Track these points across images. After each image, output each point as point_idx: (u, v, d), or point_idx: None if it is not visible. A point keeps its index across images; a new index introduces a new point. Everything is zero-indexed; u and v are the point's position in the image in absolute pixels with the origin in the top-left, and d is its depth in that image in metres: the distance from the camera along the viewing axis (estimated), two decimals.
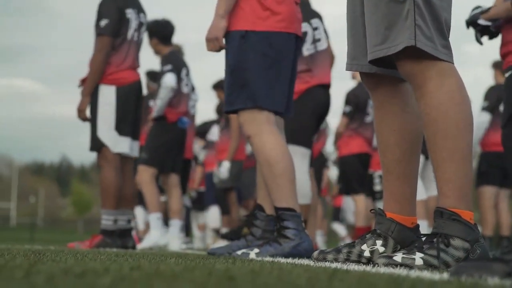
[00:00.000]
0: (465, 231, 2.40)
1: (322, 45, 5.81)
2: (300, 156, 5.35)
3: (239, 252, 3.60)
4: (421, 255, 2.40)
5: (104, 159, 5.42)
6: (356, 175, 8.12)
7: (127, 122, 5.47)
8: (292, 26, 3.81)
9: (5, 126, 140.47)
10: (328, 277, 1.69)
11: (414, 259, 2.39)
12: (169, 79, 7.05)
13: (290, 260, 3.10)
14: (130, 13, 5.51)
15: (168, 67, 7.12)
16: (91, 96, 5.41)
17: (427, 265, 2.38)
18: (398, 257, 2.41)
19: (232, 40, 3.75)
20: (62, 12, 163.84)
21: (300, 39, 3.91)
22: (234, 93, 3.73)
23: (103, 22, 5.39)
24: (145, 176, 6.95)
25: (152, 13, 5.93)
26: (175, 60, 7.31)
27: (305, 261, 2.88)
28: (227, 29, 3.77)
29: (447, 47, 2.51)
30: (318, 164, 7.90)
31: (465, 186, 2.43)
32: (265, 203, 3.95)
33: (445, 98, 2.44)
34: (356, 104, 7.94)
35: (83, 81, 5.47)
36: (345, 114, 8.08)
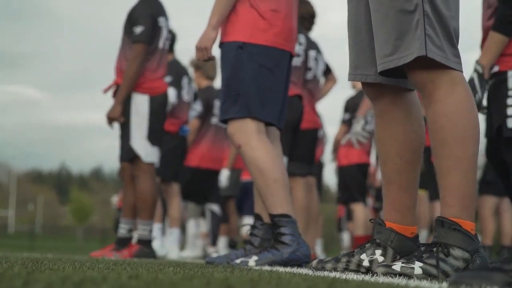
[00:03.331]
0: (465, 241, 2.40)
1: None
2: None
3: (238, 261, 3.61)
4: (420, 264, 2.39)
5: (139, 170, 5.40)
6: (356, 185, 8.13)
7: (157, 132, 5.46)
8: (288, 45, 3.86)
9: (4, 133, 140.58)
10: (327, 286, 1.69)
11: (413, 268, 2.38)
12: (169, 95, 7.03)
13: (289, 269, 3.10)
14: (162, 21, 5.49)
15: (168, 79, 7.08)
16: (123, 104, 5.40)
17: (426, 275, 2.37)
18: (397, 266, 2.40)
19: (228, 50, 3.78)
20: (62, 19, 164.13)
21: (292, 59, 3.96)
22: (229, 102, 3.76)
23: (139, 29, 5.33)
24: None
25: None
26: (175, 70, 7.30)
27: (304, 270, 2.88)
28: (224, 39, 3.80)
29: (457, 55, 2.51)
30: (317, 172, 7.90)
31: (469, 196, 2.42)
32: (262, 212, 3.96)
33: (454, 107, 2.44)
34: (355, 112, 7.95)
35: (108, 89, 5.45)
36: (344, 122, 8.09)
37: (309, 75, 6.26)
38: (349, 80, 2.84)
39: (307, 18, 6.34)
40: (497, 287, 1.72)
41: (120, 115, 5.34)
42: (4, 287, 1.46)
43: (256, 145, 3.69)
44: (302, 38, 5.78)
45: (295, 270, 2.95)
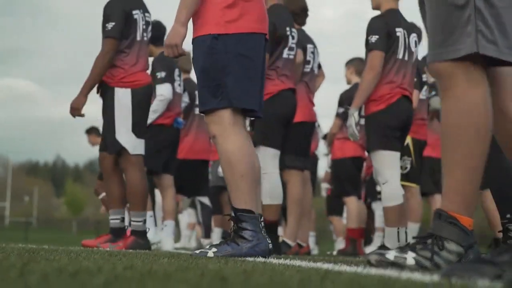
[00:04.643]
0: (460, 235, 2.40)
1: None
2: (271, 157, 5.42)
3: (197, 251, 3.67)
4: (414, 255, 2.40)
5: (127, 162, 5.42)
6: (349, 178, 8.14)
7: (142, 125, 5.49)
8: (263, 27, 3.84)
9: (0, 126, 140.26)
10: (320, 279, 1.71)
11: (405, 258, 2.39)
12: (166, 91, 7.01)
13: (282, 261, 3.12)
14: (136, 14, 5.50)
15: (162, 74, 7.06)
16: (106, 99, 5.41)
17: (419, 266, 2.38)
18: (391, 255, 2.41)
19: (202, 43, 3.74)
20: (61, 17, 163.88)
21: (267, 39, 3.92)
22: (208, 93, 3.74)
23: (110, 25, 5.37)
24: None
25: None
26: (166, 63, 7.28)
27: (297, 262, 2.89)
28: (197, 34, 3.78)
29: (510, 47, 2.44)
30: (311, 166, 7.92)
31: (471, 194, 2.42)
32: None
33: (468, 107, 2.40)
34: (349, 105, 7.95)
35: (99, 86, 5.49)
36: (338, 115, 8.11)
37: (307, 68, 6.27)
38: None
39: (299, 13, 6.35)
40: (488, 280, 1.74)
41: (81, 109, 5.37)
42: (0, 278, 1.47)
43: (229, 137, 3.71)
44: (294, 33, 5.77)
45: (288, 261, 2.97)
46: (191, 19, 3.83)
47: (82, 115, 5.40)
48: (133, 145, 5.42)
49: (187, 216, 10.92)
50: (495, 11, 2.41)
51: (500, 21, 2.42)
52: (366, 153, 7.83)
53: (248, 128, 5.51)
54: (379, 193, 7.73)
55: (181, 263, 2.37)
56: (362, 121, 7.76)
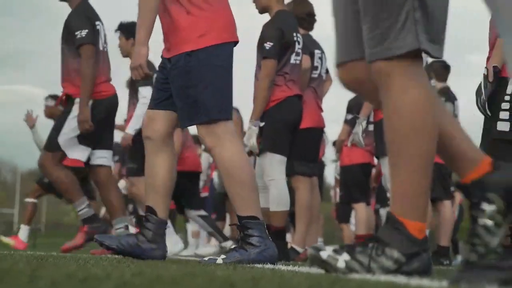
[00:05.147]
0: (403, 242, 2.26)
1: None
2: (278, 164, 5.42)
3: (206, 258, 3.70)
4: (347, 258, 2.27)
5: (44, 163, 5.57)
6: (357, 184, 8.13)
7: (92, 136, 5.59)
8: (232, 35, 3.87)
9: (9, 132, 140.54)
10: (329, 285, 1.70)
11: (337, 260, 2.27)
12: (149, 94, 7.01)
13: (291, 267, 3.12)
14: (98, 25, 5.70)
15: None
16: (67, 107, 5.56)
17: (349, 269, 2.25)
18: (325, 253, 2.29)
19: (177, 62, 3.79)
20: (60, 15, 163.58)
21: (236, 44, 3.95)
22: (189, 110, 3.78)
23: (83, 32, 5.52)
24: (142, 188, 6.74)
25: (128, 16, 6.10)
26: (150, 65, 7.27)
27: (306, 269, 2.89)
28: (172, 53, 3.82)
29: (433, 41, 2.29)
30: (318, 172, 7.91)
31: (418, 196, 2.29)
32: (157, 206, 3.96)
33: (406, 107, 2.27)
34: (358, 111, 7.94)
35: (59, 101, 5.62)
36: (346, 122, 8.09)
37: (314, 74, 6.27)
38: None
39: (303, 18, 6.33)
40: (495, 285, 1.74)
41: (89, 120, 5.48)
42: (10, 284, 1.48)
43: (226, 146, 3.75)
44: (300, 38, 5.76)
45: (297, 268, 2.97)
46: (167, 38, 3.88)
47: (92, 127, 5.49)
48: (72, 148, 5.53)
49: (191, 225, 10.89)
50: (430, 7, 2.25)
51: (434, 15, 2.27)
52: (375, 160, 7.84)
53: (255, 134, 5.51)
54: (390, 199, 7.71)
55: (190, 269, 2.38)
56: (370, 127, 7.77)
